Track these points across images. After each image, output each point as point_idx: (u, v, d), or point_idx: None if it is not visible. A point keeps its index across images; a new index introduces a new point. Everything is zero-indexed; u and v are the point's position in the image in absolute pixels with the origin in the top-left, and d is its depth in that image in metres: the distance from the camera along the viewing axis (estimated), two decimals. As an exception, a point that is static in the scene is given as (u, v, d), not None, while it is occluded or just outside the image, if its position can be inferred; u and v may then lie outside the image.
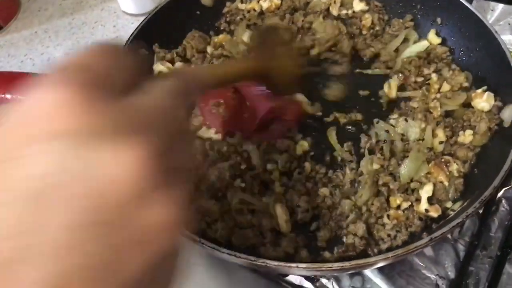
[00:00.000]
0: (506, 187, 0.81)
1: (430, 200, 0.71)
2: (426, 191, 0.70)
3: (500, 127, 0.75)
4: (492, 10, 1.04)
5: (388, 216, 0.70)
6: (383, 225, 0.70)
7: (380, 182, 0.73)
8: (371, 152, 0.77)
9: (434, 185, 0.72)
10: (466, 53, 0.85)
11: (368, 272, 0.75)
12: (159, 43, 0.92)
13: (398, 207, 0.72)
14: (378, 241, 0.69)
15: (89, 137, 0.23)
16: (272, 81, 0.67)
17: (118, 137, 0.24)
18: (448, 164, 0.72)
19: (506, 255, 0.74)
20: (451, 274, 0.75)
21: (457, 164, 0.73)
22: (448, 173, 0.72)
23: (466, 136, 0.75)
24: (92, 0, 1.19)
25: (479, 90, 0.78)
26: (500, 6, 1.03)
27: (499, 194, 0.81)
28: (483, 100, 0.76)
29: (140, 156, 0.24)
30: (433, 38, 0.88)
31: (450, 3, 0.85)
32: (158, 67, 0.88)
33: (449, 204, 0.71)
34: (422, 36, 0.90)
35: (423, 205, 0.70)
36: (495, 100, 0.77)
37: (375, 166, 0.74)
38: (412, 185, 0.73)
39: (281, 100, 0.80)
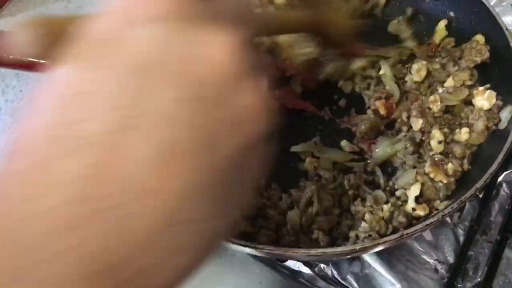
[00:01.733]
0: (507, 171, 0.81)
1: (418, 199, 0.70)
2: (413, 191, 0.69)
3: (497, 127, 0.73)
4: (495, -10, 1.02)
5: (365, 220, 0.68)
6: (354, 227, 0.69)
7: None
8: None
9: (423, 184, 0.70)
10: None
11: (367, 257, 0.74)
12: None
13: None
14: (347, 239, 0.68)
15: (187, 21, 0.25)
16: (327, 31, 0.65)
17: (214, 23, 0.26)
18: (442, 163, 0.71)
19: (506, 239, 0.74)
20: (451, 259, 0.74)
21: (452, 163, 0.71)
22: (445, 172, 0.70)
23: (462, 134, 0.74)
24: (88, -17, 1.17)
25: (481, 88, 0.76)
26: (503, -14, 1.01)
27: (500, 178, 0.80)
28: (484, 98, 0.75)
29: (234, 41, 0.25)
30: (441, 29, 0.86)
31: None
32: None
33: (437, 203, 0.69)
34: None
35: (410, 204, 0.68)
36: (497, 99, 0.74)
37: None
38: (398, 193, 0.72)
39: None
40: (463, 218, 0.77)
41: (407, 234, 0.58)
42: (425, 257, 0.75)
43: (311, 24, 0.62)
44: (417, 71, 0.81)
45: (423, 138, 0.75)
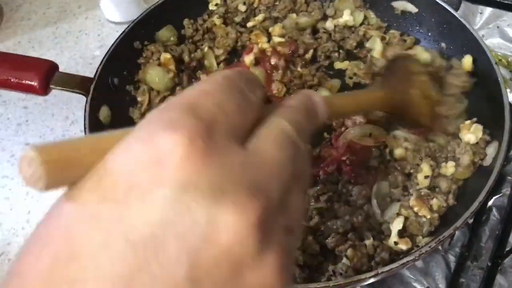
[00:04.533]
0: (496, 195, 0.80)
1: (402, 233, 0.69)
2: (396, 224, 0.68)
3: (482, 163, 0.73)
4: (480, 13, 1.03)
5: (346, 256, 0.67)
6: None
7: None
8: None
9: (407, 218, 0.70)
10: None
11: (357, 286, 0.74)
12: (143, 51, 0.90)
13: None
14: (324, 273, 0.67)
15: (207, 191, 0.23)
16: (406, 112, 0.64)
17: (231, 196, 0.23)
18: (428, 197, 0.70)
19: (497, 265, 0.73)
20: (442, 286, 0.73)
21: (437, 198, 0.70)
22: (429, 207, 0.70)
23: (448, 168, 0.73)
24: (76, 8, 1.17)
25: (468, 122, 0.76)
26: (489, 9, 1.02)
27: (490, 203, 0.80)
28: (470, 132, 0.74)
29: (241, 225, 0.23)
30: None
31: (455, 28, 0.83)
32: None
33: (419, 239, 0.68)
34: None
35: (393, 238, 0.67)
36: (484, 134, 0.74)
37: None
38: (384, 227, 0.71)
39: None
40: (453, 245, 0.77)
41: (382, 272, 0.58)
42: (416, 284, 0.74)
43: (388, 105, 0.61)
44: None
45: (411, 171, 0.75)
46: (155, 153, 0.23)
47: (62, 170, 0.24)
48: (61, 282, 0.22)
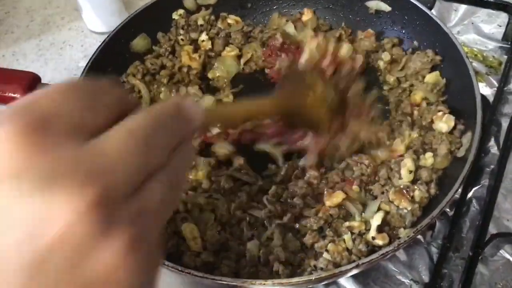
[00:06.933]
0: (476, 186, 0.82)
1: (384, 227, 0.70)
2: (375, 220, 0.70)
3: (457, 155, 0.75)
4: (455, 10, 1.05)
5: (327, 250, 0.68)
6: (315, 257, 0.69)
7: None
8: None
9: (388, 212, 0.71)
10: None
11: (342, 280, 0.75)
12: (125, 60, 0.92)
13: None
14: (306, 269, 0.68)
15: (37, 180, 0.24)
16: (303, 116, 0.68)
17: (63, 182, 0.24)
18: (408, 190, 0.72)
19: (478, 255, 0.74)
20: (425, 278, 0.75)
21: (420, 189, 0.71)
22: (410, 198, 0.71)
23: (427, 159, 0.75)
24: (59, 20, 1.18)
25: (440, 113, 0.79)
26: (463, 6, 1.04)
27: (470, 194, 0.81)
28: (442, 121, 0.77)
29: (75, 208, 0.24)
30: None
31: (427, 25, 0.86)
32: None
33: (401, 231, 0.69)
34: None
35: (371, 233, 0.68)
36: (458, 124, 0.76)
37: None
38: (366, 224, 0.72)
39: None
40: (435, 237, 0.78)
41: (362, 263, 0.59)
42: (400, 277, 0.75)
43: (279, 112, 0.65)
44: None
45: (392, 166, 0.77)
46: None
47: None
48: None
